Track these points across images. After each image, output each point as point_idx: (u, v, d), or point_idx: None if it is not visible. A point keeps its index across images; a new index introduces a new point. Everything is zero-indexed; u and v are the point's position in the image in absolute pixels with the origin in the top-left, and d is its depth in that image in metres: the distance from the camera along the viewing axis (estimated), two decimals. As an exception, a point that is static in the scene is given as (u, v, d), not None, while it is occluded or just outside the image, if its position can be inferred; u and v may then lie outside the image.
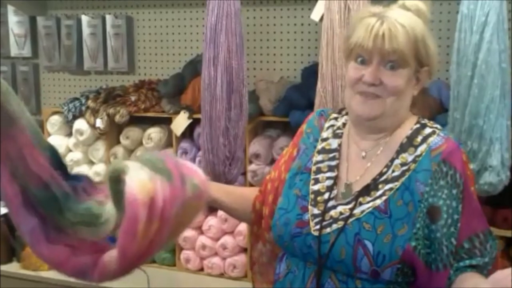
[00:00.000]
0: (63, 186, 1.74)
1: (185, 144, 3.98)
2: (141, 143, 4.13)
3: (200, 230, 4.01)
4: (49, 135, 4.37)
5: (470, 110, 2.81)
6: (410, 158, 1.94)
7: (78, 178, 1.81)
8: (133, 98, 4.07)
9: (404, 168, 1.93)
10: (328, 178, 2.03)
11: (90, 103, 4.17)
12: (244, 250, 3.89)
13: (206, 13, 3.08)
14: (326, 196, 1.99)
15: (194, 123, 3.90)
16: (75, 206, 1.74)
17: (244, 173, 3.71)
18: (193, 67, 4.02)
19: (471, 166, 2.80)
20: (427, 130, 1.99)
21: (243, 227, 3.84)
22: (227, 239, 3.90)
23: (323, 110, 2.22)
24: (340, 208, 1.96)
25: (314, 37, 3.95)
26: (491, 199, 3.19)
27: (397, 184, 1.92)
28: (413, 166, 1.92)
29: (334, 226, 1.93)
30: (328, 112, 2.20)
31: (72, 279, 1.73)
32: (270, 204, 2.18)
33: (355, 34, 1.94)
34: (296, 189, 2.07)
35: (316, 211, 1.98)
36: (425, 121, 2.03)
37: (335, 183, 2.02)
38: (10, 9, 4.75)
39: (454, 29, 2.90)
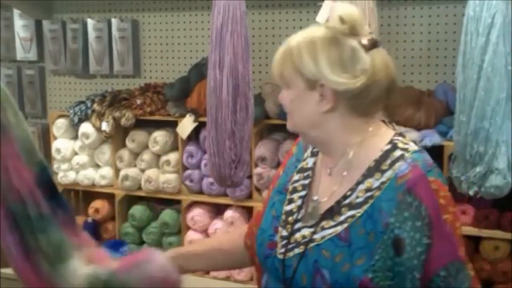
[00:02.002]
0: (40, 206, 1.70)
1: (190, 147, 3.98)
2: (146, 146, 4.14)
3: (206, 233, 4.02)
4: (55, 138, 4.39)
5: (476, 113, 2.80)
6: (375, 184, 1.81)
7: (64, 205, 1.77)
8: (138, 102, 4.07)
9: (368, 194, 1.81)
10: (300, 197, 1.97)
11: (96, 106, 4.19)
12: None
13: (212, 17, 3.08)
14: (295, 216, 1.93)
15: (200, 126, 3.90)
16: (50, 230, 1.71)
17: (249, 176, 3.71)
18: (199, 70, 4.01)
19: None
20: (397, 153, 1.82)
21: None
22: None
23: None
24: (304, 231, 1.89)
25: None
26: (497, 202, 3.18)
27: (360, 211, 1.80)
28: (377, 193, 1.80)
29: (296, 250, 1.87)
30: None
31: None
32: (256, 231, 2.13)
33: None
34: (273, 209, 2.01)
35: (284, 232, 1.93)
36: (399, 138, 1.86)
37: (303, 202, 1.95)
38: (16, 12, 4.76)
39: (460, 31, 2.89)
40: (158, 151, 4.08)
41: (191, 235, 4.02)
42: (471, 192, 2.94)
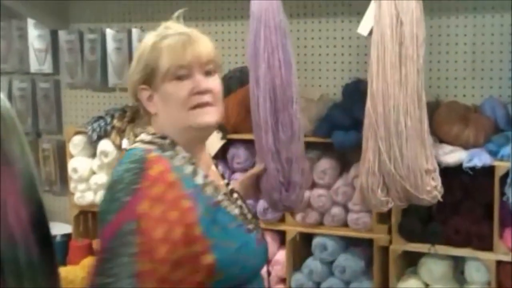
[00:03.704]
0: (32, 252, 1.59)
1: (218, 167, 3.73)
2: None
3: None
4: (72, 156, 4.22)
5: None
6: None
7: (52, 250, 1.68)
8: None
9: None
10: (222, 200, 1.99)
11: (115, 122, 4.01)
12: (282, 280, 3.71)
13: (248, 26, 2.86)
14: (237, 212, 2.03)
15: (228, 144, 3.73)
16: (37, 279, 1.61)
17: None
18: (225, 84, 3.73)
19: None
20: None
21: (281, 256, 3.64)
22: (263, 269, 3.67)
23: (162, 153, 1.93)
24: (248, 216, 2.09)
25: (355, 51, 3.75)
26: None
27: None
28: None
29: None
30: (164, 154, 1.94)
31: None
32: None
33: (166, 57, 1.92)
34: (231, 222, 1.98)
35: (251, 226, 2.04)
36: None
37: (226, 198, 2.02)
38: (30, 22, 4.63)
39: (507, 42, 2.70)
40: (183, 170, 3.85)
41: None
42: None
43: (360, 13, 3.55)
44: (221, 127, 3.65)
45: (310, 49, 3.86)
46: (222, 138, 3.67)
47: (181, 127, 1.94)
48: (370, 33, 2.88)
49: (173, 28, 2.03)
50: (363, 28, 2.95)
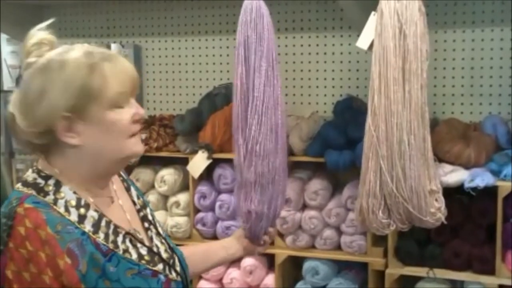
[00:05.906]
0: None
1: (203, 187, 3.63)
2: (153, 186, 3.79)
3: (220, 283, 3.67)
4: (49, 177, 3.98)
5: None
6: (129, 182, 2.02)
7: None
8: (143, 136, 3.68)
9: (138, 192, 2.02)
10: (123, 241, 1.80)
11: (94, 140, 3.79)
12: (273, 306, 3.52)
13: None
14: (144, 252, 1.84)
15: (214, 164, 3.58)
16: None
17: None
18: (211, 101, 3.69)
19: None
20: None
21: (270, 280, 3.50)
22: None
23: (37, 203, 1.67)
24: (161, 249, 1.92)
25: (346, 67, 3.62)
26: None
27: (146, 206, 2.01)
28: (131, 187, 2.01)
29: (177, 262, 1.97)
30: (43, 200, 1.70)
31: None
32: None
33: (113, 82, 1.71)
34: (129, 270, 1.77)
35: (161, 266, 1.87)
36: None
37: (128, 239, 1.82)
38: (3, 37, 4.45)
39: (508, 57, 2.60)
40: (166, 191, 3.73)
41: (203, 285, 3.62)
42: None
43: (352, 28, 3.47)
44: (207, 146, 3.51)
45: (299, 65, 3.72)
46: (208, 157, 3.52)
47: (117, 158, 1.78)
48: (370, 47, 2.75)
49: (90, 48, 1.80)
50: (363, 42, 2.79)
